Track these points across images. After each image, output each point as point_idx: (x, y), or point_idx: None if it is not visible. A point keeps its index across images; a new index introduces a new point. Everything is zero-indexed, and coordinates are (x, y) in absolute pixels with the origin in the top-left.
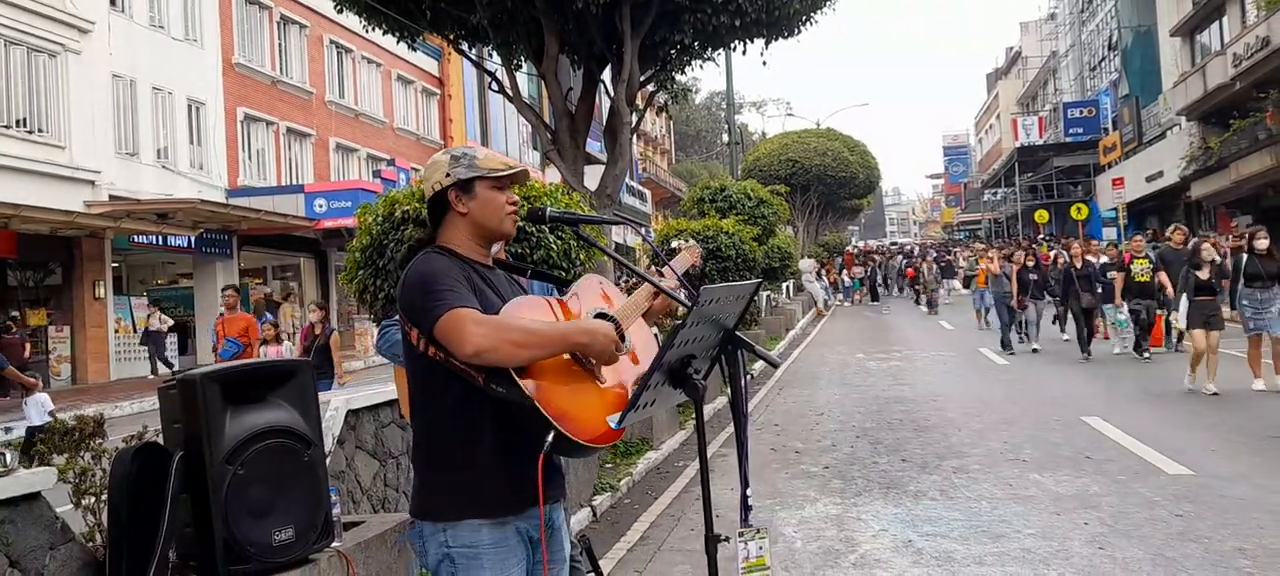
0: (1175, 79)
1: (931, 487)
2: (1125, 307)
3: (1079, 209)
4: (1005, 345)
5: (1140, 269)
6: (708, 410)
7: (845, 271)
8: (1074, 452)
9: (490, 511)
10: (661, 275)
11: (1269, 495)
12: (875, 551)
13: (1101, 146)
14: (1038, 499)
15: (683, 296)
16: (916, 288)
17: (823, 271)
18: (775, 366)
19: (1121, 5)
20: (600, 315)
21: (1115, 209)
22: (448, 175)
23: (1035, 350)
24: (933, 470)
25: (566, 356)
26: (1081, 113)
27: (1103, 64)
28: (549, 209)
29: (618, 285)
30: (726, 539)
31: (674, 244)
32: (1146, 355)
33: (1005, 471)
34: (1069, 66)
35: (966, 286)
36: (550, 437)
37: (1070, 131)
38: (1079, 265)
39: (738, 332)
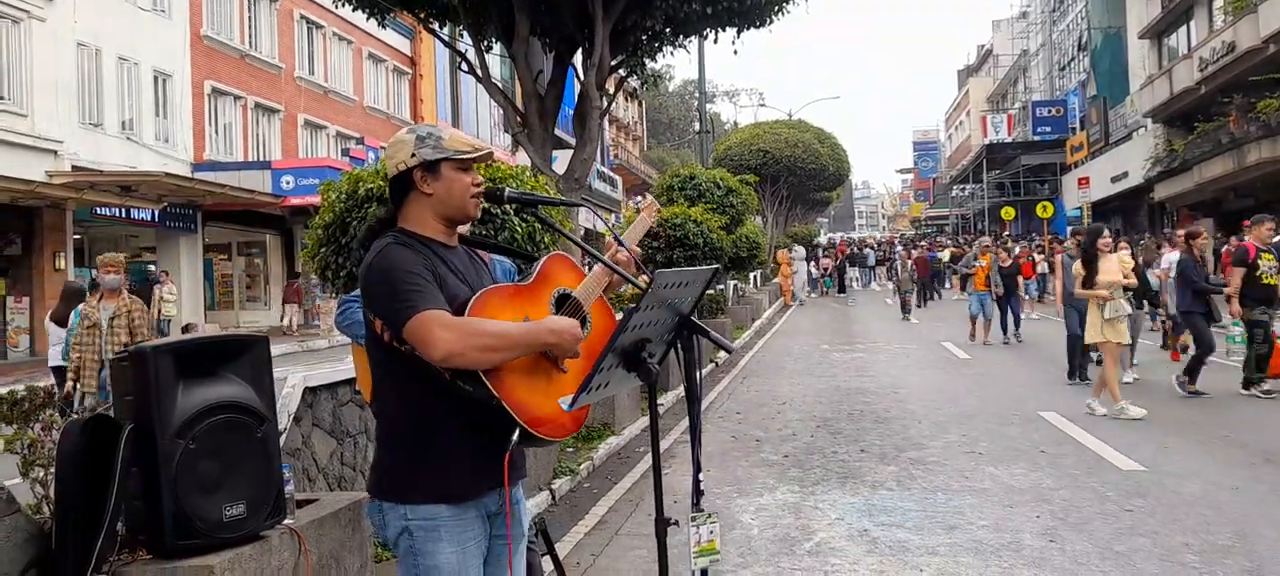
0: (1142, 81)
1: (889, 478)
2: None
3: (1045, 207)
4: (1075, 374)
5: (1269, 266)
6: (670, 397)
7: (813, 262)
8: (1030, 447)
9: (451, 496)
10: (620, 244)
11: (1218, 492)
12: (831, 539)
13: (1069, 146)
14: (992, 491)
15: (641, 280)
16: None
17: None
18: (730, 352)
19: (1092, 6)
20: (563, 297)
21: (1080, 208)
22: (413, 155)
23: (1135, 379)
24: (891, 461)
25: None
26: (1050, 112)
27: (1072, 64)
28: (507, 189)
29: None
30: (677, 523)
31: (633, 203)
32: (1266, 392)
33: (962, 464)
34: (1039, 65)
35: (963, 288)
36: (515, 435)
37: (1038, 130)
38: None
39: (694, 318)
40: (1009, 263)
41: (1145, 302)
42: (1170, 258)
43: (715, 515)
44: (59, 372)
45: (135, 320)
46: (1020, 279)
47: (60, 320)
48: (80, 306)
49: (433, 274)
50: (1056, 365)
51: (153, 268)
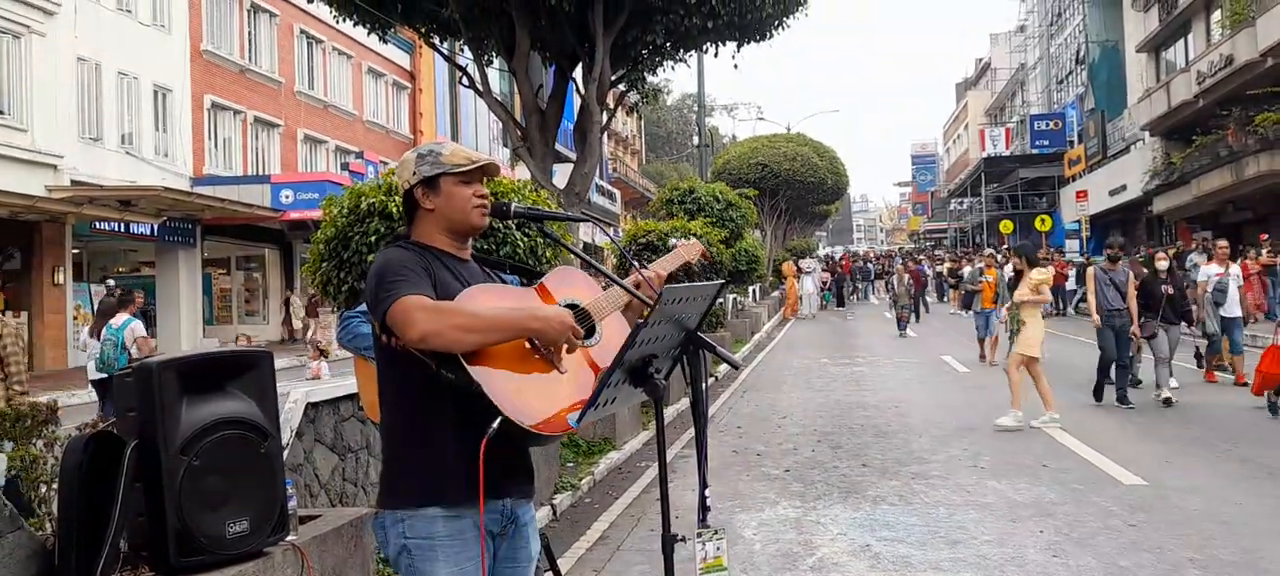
0: (1140, 94)
1: (890, 493)
2: None
3: (1043, 220)
4: (1115, 396)
5: None
6: (670, 412)
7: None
8: (1032, 461)
9: (448, 501)
10: (641, 271)
11: (1221, 506)
12: (833, 555)
13: (1067, 159)
14: (995, 506)
15: (649, 297)
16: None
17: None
18: (736, 368)
19: (1089, 20)
20: (571, 305)
21: (1079, 221)
22: (414, 173)
23: (1167, 401)
24: (892, 475)
25: (526, 344)
26: (1048, 125)
27: (1070, 77)
28: (514, 204)
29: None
30: (684, 539)
31: (671, 241)
32: None
33: (964, 478)
34: (1037, 79)
35: (968, 308)
36: (495, 423)
37: (1036, 143)
38: None
39: (700, 333)
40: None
41: (1183, 321)
42: (1207, 271)
43: (722, 531)
44: (97, 386)
45: (6, 342)
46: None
47: (98, 335)
48: None
49: (428, 273)
50: (1059, 378)
51: (110, 282)
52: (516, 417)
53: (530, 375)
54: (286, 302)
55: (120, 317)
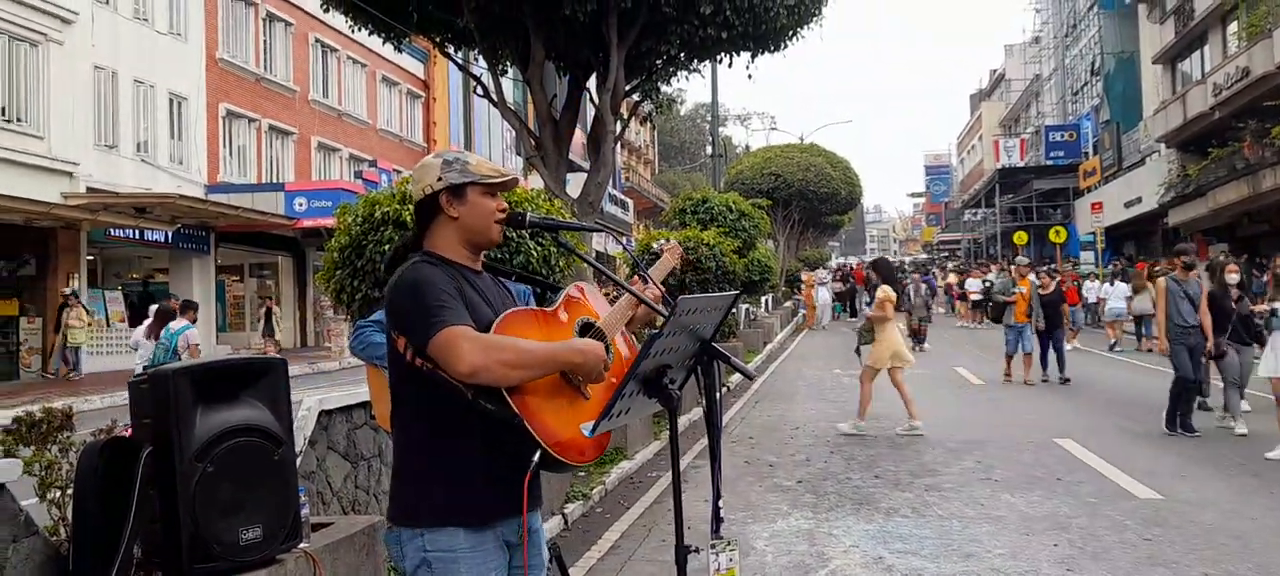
0: (1156, 106)
1: (903, 505)
2: None
3: (1058, 232)
4: (1177, 424)
5: None
6: (682, 421)
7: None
8: (1046, 474)
9: (471, 520)
10: (645, 281)
11: (1235, 520)
12: (846, 566)
13: (1081, 170)
14: (1008, 519)
15: (662, 306)
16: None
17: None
18: (750, 378)
19: (1105, 31)
20: (586, 326)
21: (1093, 233)
22: (439, 178)
23: (1243, 435)
24: (905, 487)
25: (558, 373)
26: (1063, 136)
27: (1085, 89)
28: (529, 214)
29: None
30: (697, 550)
31: (655, 246)
32: None
33: (977, 491)
34: (1052, 90)
35: (998, 320)
36: (536, 456)
37: (1051, 154)
38: None
39: (714, 344)
40: (1051, 288)
41: (1255, 342)
42: None
43: (735, 542)
44: None
45: None
46: (1066, 308)
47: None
48: None
49: (460, 294)
50: (1075, 392)
51: (66, 292)
52: (557, 452)
53: (562, 404)
54: (267, 313)
55: (178, 322)
